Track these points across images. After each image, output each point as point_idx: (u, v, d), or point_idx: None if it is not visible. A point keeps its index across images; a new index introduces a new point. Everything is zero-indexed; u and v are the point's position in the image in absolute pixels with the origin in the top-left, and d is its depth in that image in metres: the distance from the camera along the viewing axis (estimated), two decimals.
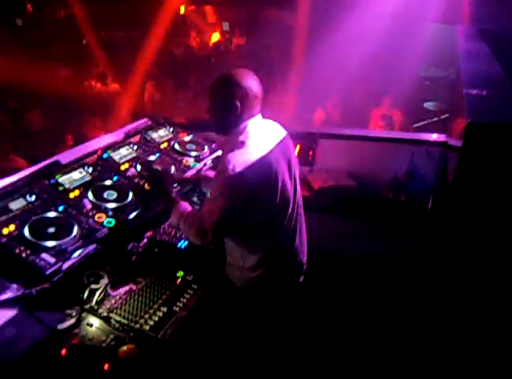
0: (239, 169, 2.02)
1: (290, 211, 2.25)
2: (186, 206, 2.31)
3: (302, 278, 2.42)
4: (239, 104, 2.12)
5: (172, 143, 3.04)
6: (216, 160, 3.00)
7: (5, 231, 2.03)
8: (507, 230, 2.64)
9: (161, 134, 3.10)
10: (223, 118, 2.18)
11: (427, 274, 2.95)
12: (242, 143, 2.11)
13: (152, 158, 2.82)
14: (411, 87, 7.39)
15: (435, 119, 7.16)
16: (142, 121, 3.19)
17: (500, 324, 2.73)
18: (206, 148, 3.06)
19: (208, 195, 2.32)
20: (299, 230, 2.34)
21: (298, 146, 3.66)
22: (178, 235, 2.57)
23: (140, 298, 2.16)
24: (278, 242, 2.25)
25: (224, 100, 2.14)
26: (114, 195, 2.41)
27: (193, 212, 2.27)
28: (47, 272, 1.93)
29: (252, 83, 2.14)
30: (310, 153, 3.67)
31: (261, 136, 2.17)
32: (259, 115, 2.22)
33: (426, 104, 7.72)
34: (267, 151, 2.13)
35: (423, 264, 3.02)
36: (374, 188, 3.55)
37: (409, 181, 3.53)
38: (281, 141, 2.25)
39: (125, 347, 1.86)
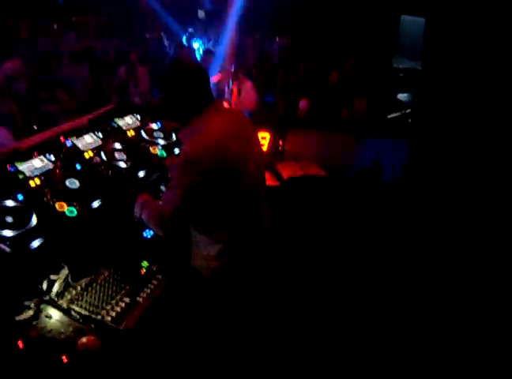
0: (194, 152, 2.05)
1: (252, 196, 2.25)
2: (146, 197, 2.32)
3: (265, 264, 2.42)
4: (191, 94, 2.14)
5: (139, 131, 2.98)
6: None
7: None
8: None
9: (128, 121, 3.04)
10: (178, 109, 2.19)
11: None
12: (198, 129, 2.13)
13: (117, 146, 2.75)
14: (384, 78, 7.47)
15: (408, 111, 7.24)
16: (108, 108, 3.12)
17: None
18: (174, 136, 3.01)
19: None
20: (262, 215, 2.33)
21: (268, 136, 3.65)
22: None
23: (102, 289, 2.11)
24: (240, 228, 2.24)
25: (176, 92, 2.15)
26: (77, 183, 2.35)
27: (153, 202, 2.28)
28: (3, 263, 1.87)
29: (196, 74, 2.17)
30: (280, 143, 3.66)
31: (218, 122, 2.16)
32: (214, 102, 2.23)
33: (399, 96, 7.80)
34: (223, 136, 2.13)
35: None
36: (344, 177, 3.56)
37: (378, 171, 3.55)
38: (239, 126, 2.25)
39: (84, 339, 1.82)
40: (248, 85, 5.81)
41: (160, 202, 2.20)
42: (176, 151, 2.93)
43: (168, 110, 2.22)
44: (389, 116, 7.13)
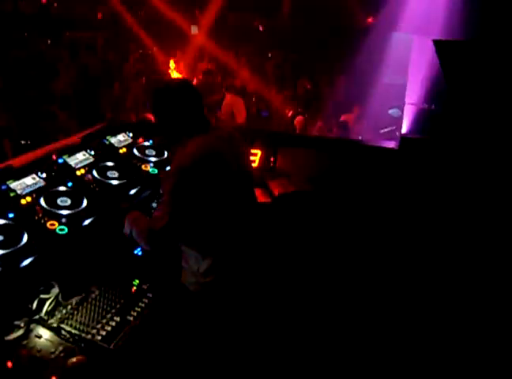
0: (183, 163, 2.10)
1: (241, 212, 2.27)
2: (136, 214, 2.35)
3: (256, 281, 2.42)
4: (181, 115, 2.19)
5: (131, 148, 3.00)
6: None
7: None
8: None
9: (120, 139, 3.05)
10: (170, 129, 2.24)
11: None
12: (186, 146, 2.16)
13: (109, 164, 2.77)
14: (376, 94, 7.59)
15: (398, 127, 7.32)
16: (101, 126, 3.14)
17: None
18: (166, 153, 3.03)
19: None
20: (251, 231, 2.35)
21: (259, 152, 3.68)
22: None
23: (93, 308, 2.10)
24: (230, 244, 2.25)
25: (167, 114, 2.20)
26: (68, 201, 2.36)
27: (143, 218, 2.30)
28: None
29: (191, 92, 2.21)
30: (272, 159, 3.68)
31: (205, 141, 2.19)
32: (205, 126, 2.25)
33: (390, 111, 7.88)
34: (211, 149, 2.17)
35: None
36: (334, 194, 3.58)
37: (367, 187, 3.58)
38: (227, 141, 2.27)
39: (74, 359, 1.81)
40: (239, 102, 5.91)
41: (150, 219, 2.22)
42: (168, 168, 2.95)
43: (161, 129, 2.26)
44: (382, 131, 7.23)
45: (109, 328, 2.01)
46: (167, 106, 2.20)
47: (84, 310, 2.08)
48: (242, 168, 2.32)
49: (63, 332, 1.96)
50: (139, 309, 2.14)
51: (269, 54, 10.18)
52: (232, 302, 2.30)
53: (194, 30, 12.50)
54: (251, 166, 2.53)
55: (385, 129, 7.24)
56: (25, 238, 2.08)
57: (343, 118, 6.45)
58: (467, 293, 3.07)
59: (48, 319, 2.01)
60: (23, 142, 5.37)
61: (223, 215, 2.20)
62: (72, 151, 2.73)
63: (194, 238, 2.22)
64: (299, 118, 6.30)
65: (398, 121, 7.43)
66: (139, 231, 2.22)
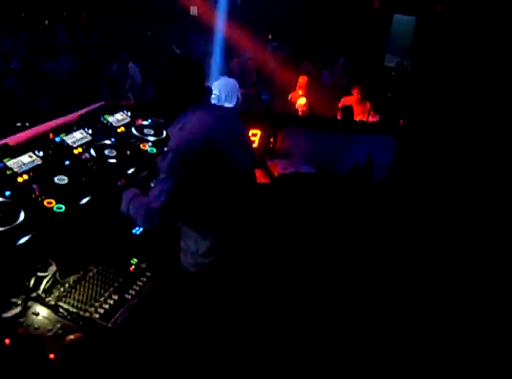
0: (180, 146, 2.07)
1: (241, 192, 2.25)
2: (133, 191, 2.30)
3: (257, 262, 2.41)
4: (178, 92, 2.16)
5: (129, 127, 2.96)
6: None
7: None
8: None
9: (118, 118, 3.01)
10: (165, 105, 2.21)
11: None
12: (186, 124, 2.13)
13: (107, 142, 2.73)
14: (376, 77, 7.53)
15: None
16: (99, 104, 3.09)
17: None
18: (164, 132, 2.99)
19: None
20: (251, 212, 2.33)
21: (259, 133, 3.64)
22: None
23: (90, 286, 2.10)
24: (229, 225, 2.23)
25: (164, 89, 2.18)
26: (65, 180, 2.33)
27: (141, 197, 2.25)
28: None
29: (191, 70, 2.18)
30: (271, 140, 3.65)
31: (206, 117, 2.16)
32: (203, 100, 2.23)
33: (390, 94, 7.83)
34: (211, 130, 2.14)
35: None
36: (335, 175, 3.57)
37: (369, 168, 3.56)
38: (228, 122, 2.25)
39: (72, 336, 1.81)
40: (231, 85, 5.91)
41: (148, 197, 2.17)
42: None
43: (158, 104, 2.23)
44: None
45: (107, 306, 2.00)
46: (166, 78, 2.17)
47: (82, 288, 2.08)
48: (244, 150, 2.29)
49: (61, 310, 1.96)
50: (137, 288, 2.13)
51: (269, 36, 10.08)
52: (231, 284, 2.29)
53: (194, 11, 12.37)
54: (252, 148, 2.49)
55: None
56: (22, 215, 2.06)
57: (343, 101, 6.39)
58: (466, 292, 3.05)
59: (46, 297, 2.01)
60: (18, 124, 5.32)
61: (222, 195, 2.17)
62: (69, 129, 2.70)
63: (193, 218, 2.20)
64: (301, 99, 6.26)
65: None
66: (136, 210, 2.18)
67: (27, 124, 5.27)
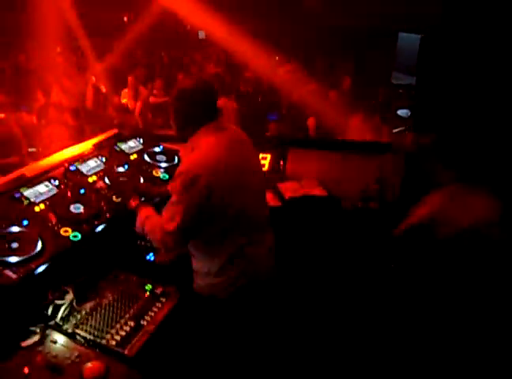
0: (193, 167, 2.10)
1: (253, 213, 2.27)
2: (149, 210, 2.33)
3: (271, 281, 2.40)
4: (190, 114, 2.21)
5: (142, 154, 3.02)
6: None
7: None
8: None
9: (131, 145, 3.08)
10: (179, 127, 2.27)
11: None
12: (197, 146, 2.19)
13: (120, 170, 2.79)
14: (384, 94, 7.58)
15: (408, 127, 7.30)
16: (111, 132, 3.16)
17: None
18: (176, 159, 3.05)
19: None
20: (264, 232, 2.35)
21: (269, 155, 3.69)
22: (146, 246, 2.55)
23: (107, 313, 2.13)
24: (243, 244, 2.23)
25: (178, 111, 2.24)
26: (81, 208, 2.39)
27: (156, 217, 2.26)
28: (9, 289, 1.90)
29: (205, 93, 2.22)
30: (281, 162, 3.69)
31: (217, 138, 2.20)
32: (216, 122, 2.26)
33: (399, 111, 7.86)
34: (223, 152, 2.17)
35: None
36: (345, 197, 3.58)
37: (380, 188, 3.57)
38: (239, 143, 2.29)
39: (89, 364, 1.83)
40: (230, 106, 5.99)
41: (162, 217, 2.18)
42: None
43: (173, 126, 2.30)
44: (394, 130, 7.20)
45: (123, 333, 2.03)
46: (178, 101, 2.23)
47: (98, 315, 2.11)
48: (254, 169, 2.33)
49: (78, 337, 1.99)
50: (153, 314, 2.16)
51: (277, 58, 10.19)
52: (246, 304, 2.29)
53: (202, 35, 12.61)
54: (262, 170, 2.54)
55: (396, 130, 7.25)
56: (40, 245, 2.11)
57: (351, 120, 6.40)
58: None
59: (63, 324, 2.04)
60: (30, 150, 5.40)
61: (234, 216, 2.18)
62: (84, 158, 2.77)
63: (205, 238, 2.22)
64: (311, 119, 6.30)
65: (408, 121, 7.45)
66: (151, 230, 2.21)
67: (39, 149, 5.38)
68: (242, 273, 2.26)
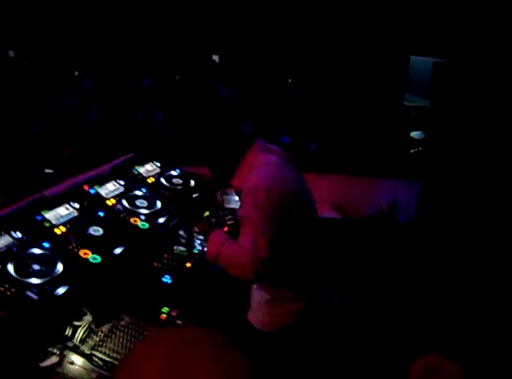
0: (263, 181, 2.01)
1: (314, 236, 2.22)
2: (222, 235, 2.14)
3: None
4: (229, 143, 2.18)
5: (159, 177, 3.09)
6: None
7: None
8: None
9: (148, 169, 3.15)
10: (221, 162, 2.23)
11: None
12: (252, 168, 2.10)
13: (138, 193, 2.85)
14: (396, 117, 7.64)
15: (421, 149, 7.32)
16: (128, 156, 3.24)
17: None
18: (193, 182, 3.11)
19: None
20: (322, 257, 2.30)
21: None
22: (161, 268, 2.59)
23: (124, 335, 2.16)
24: (308, 271, 2.18)
25: (214, 146, 2.22)
26: (100, 231, 2.44)
27: (233, 244, 2.05)
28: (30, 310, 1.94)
29: (226, 118, 2.25)
30: None
31: (270, 159, 2.14)
32: (256, 140, 2.22)
33: (412, 134, 7.90)
34: (281, 167, 2.11)
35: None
36: (358, 220, 3.60)
37: (392, 213, 3.59)
38: (290, 161, 2.24)
39: None
40: None
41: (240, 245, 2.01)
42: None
43: (215, 167, 2.27)
44: (412, 151, 7.23)
45: None
46: (209, 141, 2.23)
47: (115, 337, 2.14)
48: (308, 190, 2.26)
49: (95, 359, 2.02)
50: None
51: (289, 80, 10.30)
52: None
53: (216, 58, 12.81)
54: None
55: (413, 150, 7.28)
56: (60, 267, 2.16)
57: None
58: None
59: (81, 346, 2.07)
60: (48, 171, 5.51)
61: (303, 239, 2.12)
62: (102, 181, 2.84)
63: (275, 264, 2.02)
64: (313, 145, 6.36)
65: (421, 142, 7.48)
66: (231, 260, 2.02)
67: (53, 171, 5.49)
68: (314, 301, 2.18)
